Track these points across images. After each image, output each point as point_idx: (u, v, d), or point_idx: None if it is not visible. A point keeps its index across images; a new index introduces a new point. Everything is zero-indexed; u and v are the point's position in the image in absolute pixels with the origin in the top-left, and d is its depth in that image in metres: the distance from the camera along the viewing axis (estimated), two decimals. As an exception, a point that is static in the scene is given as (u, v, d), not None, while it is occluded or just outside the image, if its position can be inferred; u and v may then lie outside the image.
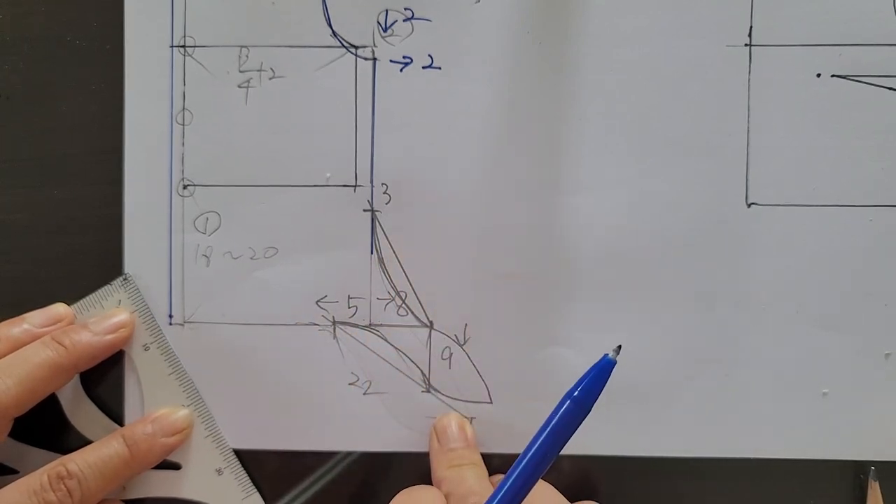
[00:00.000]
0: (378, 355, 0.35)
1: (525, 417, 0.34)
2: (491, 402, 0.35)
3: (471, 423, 0.34)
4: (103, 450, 0.32)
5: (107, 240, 0.35)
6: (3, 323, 0.33)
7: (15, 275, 0.35)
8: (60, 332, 0.32)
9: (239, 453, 0.35)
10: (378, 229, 0.34)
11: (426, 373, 0.35)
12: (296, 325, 0.35)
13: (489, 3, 0.34)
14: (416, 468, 0.35)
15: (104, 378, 0.35)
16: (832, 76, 0.34)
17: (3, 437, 0.31)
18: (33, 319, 0.33)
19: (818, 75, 0.34)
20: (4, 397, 0.30)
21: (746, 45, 0.34)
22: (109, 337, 0.33)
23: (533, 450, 0.26)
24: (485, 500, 0.27)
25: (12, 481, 0.31)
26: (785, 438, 0.34)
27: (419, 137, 0.34)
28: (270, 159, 0.34)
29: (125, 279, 0.34)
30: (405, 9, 0.34)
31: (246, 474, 0.34)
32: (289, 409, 0.35)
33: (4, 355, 0.32)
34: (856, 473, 0.34)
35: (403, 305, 0.35)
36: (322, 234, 0.35)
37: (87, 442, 0.33)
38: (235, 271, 0.35)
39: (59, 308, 0.34)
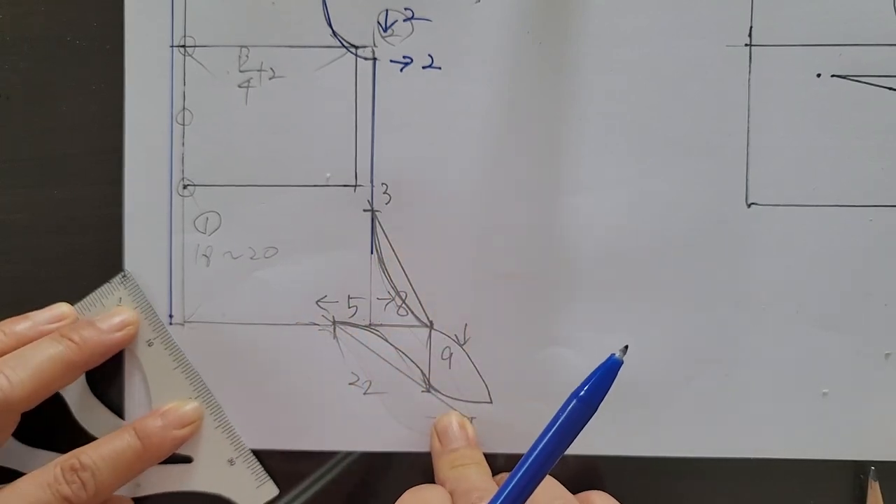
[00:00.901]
0: (378, 355, 0.35)
1: (525, 417, 0.34)
2: (491, 402, 0.35)
3: (471, 422, 0.34)
4: (115, 442, 0.32)
5: (107, 240, 0.35)
6: (8, 320, 0.33)
7: (15, 275, 0.35)
8: (69, 328, 0.33)
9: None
10: (378, 229, 0.34)
11: (426, 373, 0.35)
12: (296, 325, 0.35)
13: (489, 3, 0.34)
14: (416, 468, 0.35)
15: (107, 376, 0.35)
16: (832, 76, 0.34)
17: (10, 433, 0.31)
18: (38, 317, 0.33)
19: (818, 75, 0.34)
20: (18, 391, 0.30)
21: (746, 45, 0.34)
22: (117, 335, 0.33)
23: (538, 449, 0.26)
24: (488, 494, 0.27)
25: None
26: (785, 438, 0.34)
27: (419, 137, 0.34)
28: (270, 159, 0.34)
29: (124, 276, 0.34)
30: (405, 9, 0.34)
31: (258, 463, 0.34)
32: (289, 409, 0.35)
33: (9, 351, 0.32)
34: (856, 473, 0.34)
35: (403, 305, 0.35)
36: (322, 234, 0.35)
37: (94, 440, 0.33)
38: (235, 271, 0.35)
39: (63, 307, 0.34)
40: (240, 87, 0.34)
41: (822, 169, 0.34)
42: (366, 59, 0.34)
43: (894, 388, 0.34)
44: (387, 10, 0.34)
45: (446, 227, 0.34)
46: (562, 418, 0.26)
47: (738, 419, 0.34)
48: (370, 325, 0.35)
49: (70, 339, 0.32)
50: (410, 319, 0.35)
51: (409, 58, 0.34)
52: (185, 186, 0.35)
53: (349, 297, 0.35)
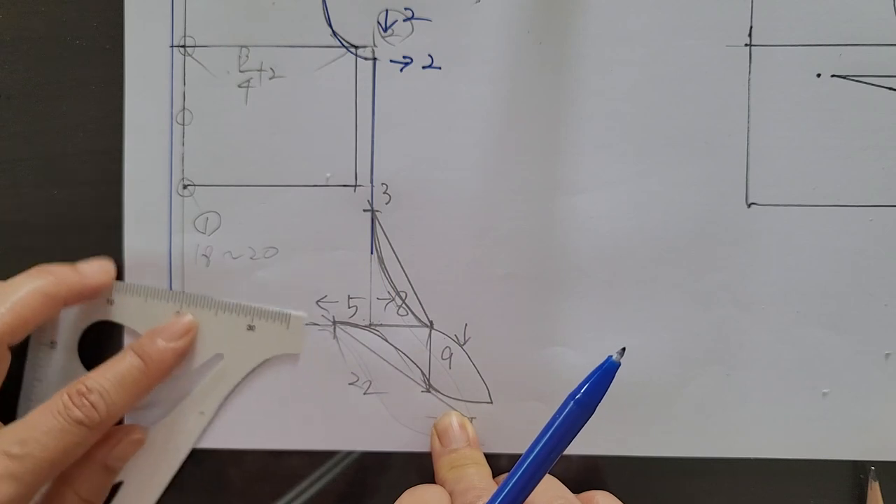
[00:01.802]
0: (378, 355, 0.35)
1: (525, 417, 0.34)
2: (491, 402, 0.35)
3: (471, 423, 0.34)
4: (118, 365, 0.32)
5: (107, 240, 0.35)
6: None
7: (15, 275, 0.35)
8: (46, 269, 0.33)
9: (239, 453, 0.35)
10: (378, 229, 0.34)
11: (426, 373, 0.35)
12: (296, 325, 0.35)
13: (489, 3, 0.34)
14: (416, 468, 0.35)
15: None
16: (832, 76, 0.34)
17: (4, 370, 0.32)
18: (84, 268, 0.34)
19: (818, 75, 0.34)
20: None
21: (746, 45, 0.34)
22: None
23: (535, 451, 0.26)
24: (487, 494, 0.27)
25: None
26: (785, 438, 0.34)
27: (419, 137, 0.34)
28: (270, 159, 0.34)
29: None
30: (405, 9, 0.34)
31: (273, 309, 0.35)
32: (289, 409, 0.35)
33: None
34: (856, 473, 0.34)
35: (403, 305, 0.35)
36: (322, 234, 0.35)
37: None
38: (235, 271, 0.35)
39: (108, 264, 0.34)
40: (240, 87, 0.34)
41: (822, 169, 0.34)
42: (366, 59, 0.34)
43: (894, 388, 0.34)
44: (387, 10, 0.34)
45: (446, 227, 0.34)
46: (559, 420, 0.26)
47: (738, 419, 0.34)
48: (370, 325, 0.35)
49: (50, 273, 0.32)
50: (410, 319, 0.35)
51: (409, 58, 0.34)
52: (185, 186, 0.35)
53: (349, 297, 0.35)
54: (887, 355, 0.34)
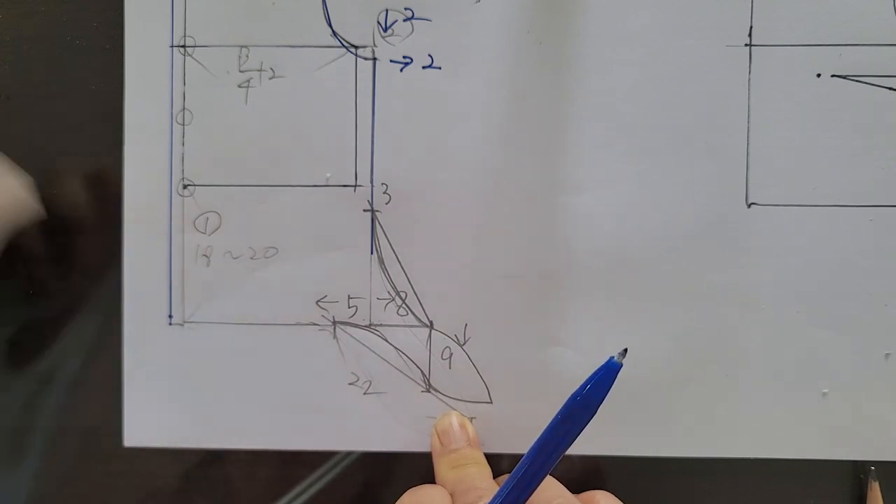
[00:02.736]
0: (378, 355, 0.35)
1: (525, 417, 0.34)
2: (491, 402, 0.35)
3: (471, 423, 0.34)
4: None
5: (107, 240, 0.35)
6: None
7: (15, 275, 0.35)
8: None
9: (239, 453, 0.35)
10: (378, 229, 0.34)
11: (426, 373, 0.35)
12: (296, 325, 0.35)
13: (489, 3, 0.34)
14: (416, 468, 0.35)
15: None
16: (832, 76, 0.34)
17: None
18: None
19: (818, 75, 0.34)
20: None
21: (746, 45, 0.34)
22: None
23: (536, 451, 0.26)
24: (488, 494, 0.27)
25: None
26: (785, 438, 0.34)
27: (419, 137, 0.34)
28: (270, 159, 0.34)
29: None
30: (405, 9, 0.34)
31: None
32: (289, 409, 0.35)
33: None
34: (856, 473, 0.34)
35: (403, 305, 0.35)
36: (322, 234, 0.35)
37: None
38: (235, 271, 0.35)
39: None
40: (240, 87, 0.34)
41: (822, 169, 0.34)
42: (366, 59, 0.34)
43: (894, 388, 0.34)
44: (387, 10, 0.34)
45: (446, 227, 0.34)
46: (559, 421, 0.26)
47: (738, 419, 0.34)
48: (370, 325, 0.35)
49: None
50: (410, 319, 0.35)
51: (409, 58, 0.34)
52: (185, 186, 0.35)
53: (349, 297, 0.35)
54: (887, 355, 0.34)
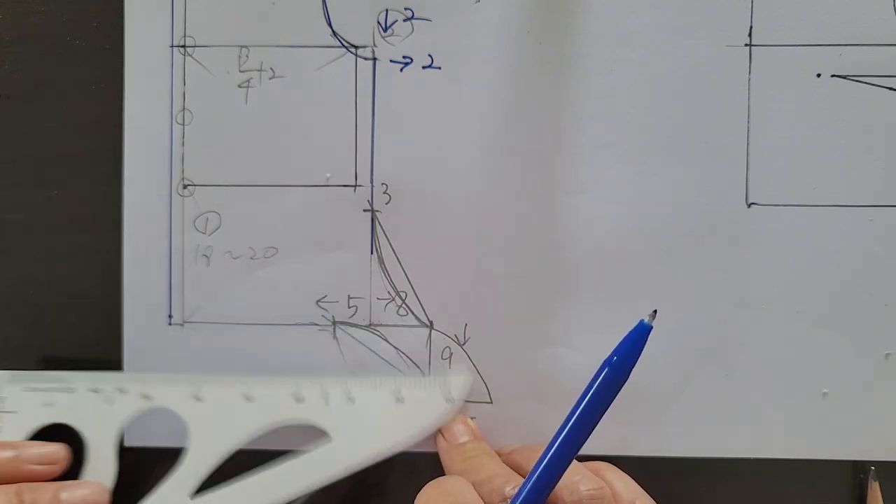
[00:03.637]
0: (378, 355, 0.35)
1: (525, 417, 0.34)
2: (491, 402, 0.35)
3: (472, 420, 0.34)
4: None
5: (107, 240, 0.35)
6: None
7: (15, 275, 0.35)
8: (30, 491, 0.30)
9: (239, 453, 0.35)
10: (378, 229, 0.34)
11: (426, 373, 0.35)
12: (296, 325, 0.35)
13: (489, 3, 0.34)
14: (416, 468, 0.35)
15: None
16: (832, 76, 0.34)
17: None
18: (26, 452, 0.31)
19: (818, 75, 0.34)
20: None
21: (746, 45, 0.34)
22: None
23: (572, 421, 0.26)
24: (513, 478, 0.27)
25: None
26: (785, 438, 0.34)
27: (419, 137, 0.34)
28: (270, 159, 0.34)
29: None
30: (405, 9, 0.34)
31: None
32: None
33: None
34: (856, 473, 0.34)
35: (403, 305, 0.35)
36: (322, 234, 0.35)
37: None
38: (235, 271, 0.35)
39: (58, 450, 0.32)
40: (240, 87, 0.34)
41: (822, 169, 0.34)
42: (366, 59, 0.34)
43: (894, 388, 0.34)
44: (387, 10, 0.34)
45: (446, 227, 0.34)
46: (595, 386, 0.26)
47: (738, 419, 0.34)
48: (370, 325, 0.35)
49: (20, 501, 0.29)
50: (410, 319, 0.35)
51: (409, 58, 0.34)
52: (185, 186, 0.35)
53: (349, 297, 0.35)
54: (887, 355, 0.34)
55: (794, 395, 0.34)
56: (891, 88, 0.34)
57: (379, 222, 0.34)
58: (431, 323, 0.35)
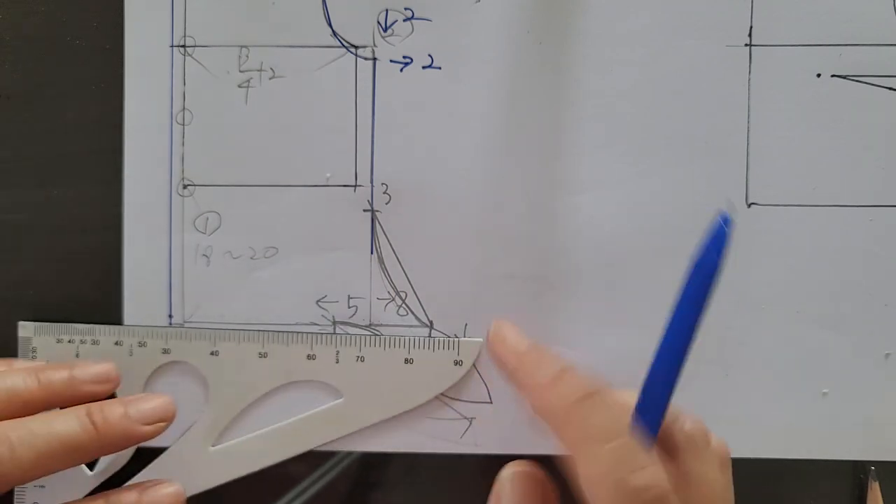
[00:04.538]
0: (378, 355, 0.35)
1: (525, 417, 0.34)
2: (491, 402, 0.35)
3: (470, 423, 0.34)
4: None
5: (107, 240, 0.35)
6: (48, 365, 0.31)
7: (15, 275, 0.35)
8: (97, 407, 0.29)
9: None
10: (378, 229, 0.34)
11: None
12: (296, 325, 0.35)
13: (489, 3, 0.34)
14: (415, 468, 0.35)
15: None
16: (832, 76, 0.34)
17: None
18: (79, 372, 0.31)
19: (818, 75, 0.34)
20: (17, 470, 0.27)
21: (746, 45, 0.34)
22: (146, 428, 0.30)
23: (673, 322, 0.26)
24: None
25: None
26: (785, 438, 0.34)
27: (419, 137, 0.34)
28: (270, 159, 0.34)
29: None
30: (405, 9, 0.34)
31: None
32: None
33: (37, 402, 0.29)
34: (856, 473, 0.34)
35: (403, 305, 0.35)
36: (322, 234, 0.35)
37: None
38: (235, 271, 0.35)
39: (109, 369, 0.31)
40: (240, 87, 0.34)
41: (822, 169, 0.34)
42: (366, 59, 0.34)
43: (894, 388, 0.34)
44: (387, 10, 0.34)
45: (446, 227, 0.34)
46: (689, 286, 0.26)
47: (738, 419, 0.34)
48: (370, 325, 0.35)
49: (92, 421, 0.29)
50: (410, 319, 0.35)
51: (409, 58, 0.34)
52: (185, 186, 0.35)
53: (349, 297, 0.35)
54: (887, 355, 0.34)
55: (794, 395, 0.34)
56: (891, 88, 0.34)
57: (379, 222, 0.34)
58: (431, 323, 0.35)
